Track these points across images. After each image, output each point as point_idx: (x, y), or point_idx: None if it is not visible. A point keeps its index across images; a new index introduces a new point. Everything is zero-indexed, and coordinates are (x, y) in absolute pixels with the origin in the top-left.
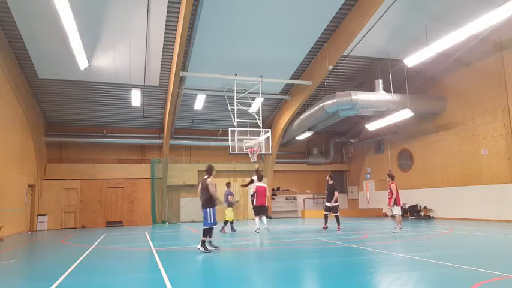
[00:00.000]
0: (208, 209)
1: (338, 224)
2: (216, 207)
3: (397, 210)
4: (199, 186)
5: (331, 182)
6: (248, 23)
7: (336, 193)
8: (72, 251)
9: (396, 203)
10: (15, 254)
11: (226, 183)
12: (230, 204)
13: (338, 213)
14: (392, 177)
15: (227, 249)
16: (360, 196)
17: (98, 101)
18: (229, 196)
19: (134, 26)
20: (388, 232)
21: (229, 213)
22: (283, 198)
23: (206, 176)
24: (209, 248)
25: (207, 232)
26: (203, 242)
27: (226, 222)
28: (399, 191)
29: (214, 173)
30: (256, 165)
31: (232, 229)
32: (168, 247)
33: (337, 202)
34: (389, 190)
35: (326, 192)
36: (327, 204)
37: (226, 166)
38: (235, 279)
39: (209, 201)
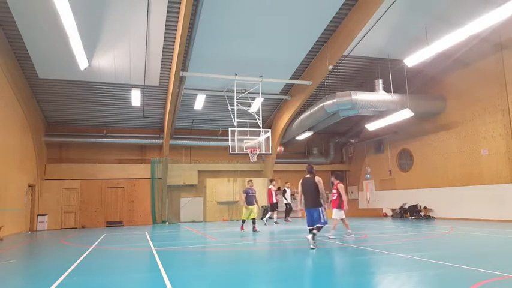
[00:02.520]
0: (320, 208)
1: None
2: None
3: (340, 214)
4: (304, 187)
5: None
6: (248, 23)
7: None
8: (72, 251)
9: (341, 206)
10: (15, 254)
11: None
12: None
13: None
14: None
15: (227, 249)
16: (359, 196)
17: (98, 101)
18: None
19: (134, 26)
20: (389, 232)
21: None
22: (281, 197)
23: (309, 176)
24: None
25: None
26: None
27: (244, 220)
28: (396, 191)
29: None
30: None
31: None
32: (168, 247)
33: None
34: (335, 191)
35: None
36: None
37: (226, 166)
38: (235, 279)
39: (318, 199)
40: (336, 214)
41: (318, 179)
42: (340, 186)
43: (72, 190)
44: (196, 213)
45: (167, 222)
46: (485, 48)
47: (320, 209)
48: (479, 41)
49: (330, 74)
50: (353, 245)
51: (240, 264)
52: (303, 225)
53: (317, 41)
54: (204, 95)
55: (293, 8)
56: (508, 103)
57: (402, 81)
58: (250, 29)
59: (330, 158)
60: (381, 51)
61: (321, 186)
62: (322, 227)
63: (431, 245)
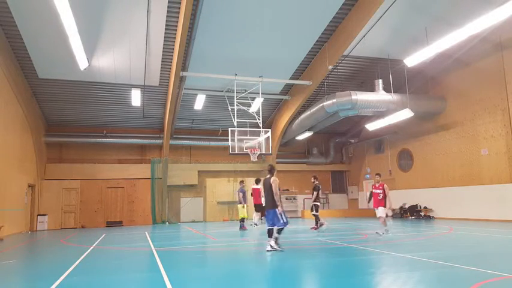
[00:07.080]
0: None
1: (316, 223)
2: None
3: (382, 212)
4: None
5: (316, 182)
6: (248, 23)
7: (316, 193)
8: (72, 251)
9: (386, 204)
10: (15, 254)
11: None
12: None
13: (316, 213)
14: (380, 176)
15: (227, 249)
16: (360, 196)
17: (98, 101)
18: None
19: (134, 26)
20: (389, 232)
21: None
22: (283, 198)
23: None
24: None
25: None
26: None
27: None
28: (396, 191)
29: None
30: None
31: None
32: (168, 247)
33: (316, 201)
34: (381, 190)
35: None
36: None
37: (226, 166)
38: (235, 279)
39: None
40: (381, 212)
41: (273, 179)
42: (386, 186)
43: (72, 190)
44: (196, 213)
45: (167, 222)
46: (485, 48)
47: (276, 210)
48: (479, 41)
49: (330, 74)
50: (353, 245)
51: (240, 264)
52: (302, 225)
53: (317, 41)
54: (204, 95)
55: (293, 8)
56: (508, 103)
57: (402, 81)
58: (250, 29)
59: (329, 158)
60: (381, 51)
61: (275, 186)
62: (283, 228)
63: (431, 245)
